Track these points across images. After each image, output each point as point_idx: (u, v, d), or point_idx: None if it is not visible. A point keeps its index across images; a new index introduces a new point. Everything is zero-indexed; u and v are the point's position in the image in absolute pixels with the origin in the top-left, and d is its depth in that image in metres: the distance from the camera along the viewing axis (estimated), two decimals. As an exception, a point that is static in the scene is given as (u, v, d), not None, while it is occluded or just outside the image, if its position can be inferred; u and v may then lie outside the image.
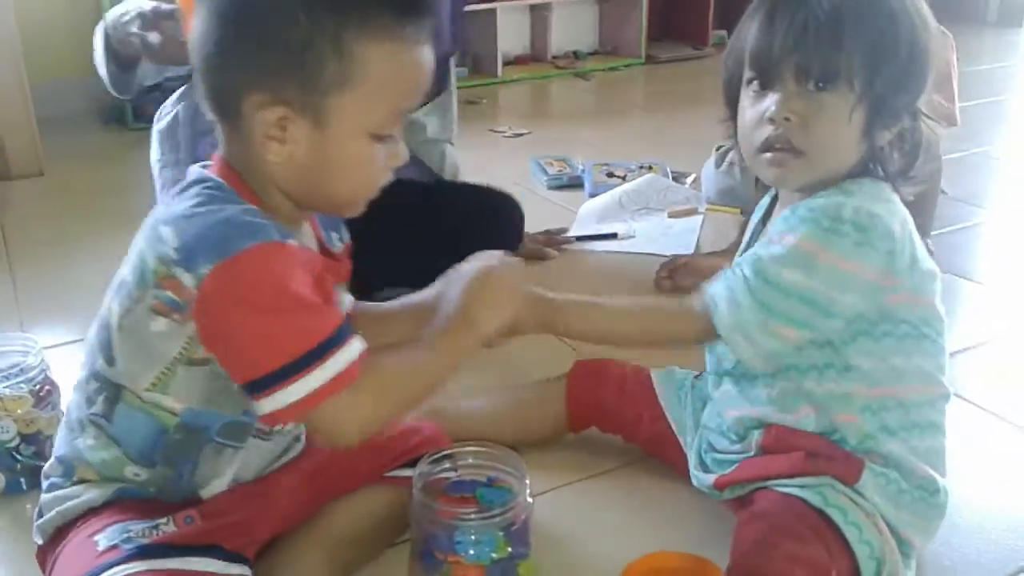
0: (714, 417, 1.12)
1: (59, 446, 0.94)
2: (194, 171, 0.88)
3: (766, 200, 1.13)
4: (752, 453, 1.05)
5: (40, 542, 0.93)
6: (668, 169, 2.34)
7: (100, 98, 2.73)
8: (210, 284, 0.78)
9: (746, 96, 1.01)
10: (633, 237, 2.01)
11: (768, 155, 0.99)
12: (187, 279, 0.79)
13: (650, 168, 2.34)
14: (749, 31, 0.99)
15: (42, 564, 0.93)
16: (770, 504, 0.98)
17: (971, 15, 4.37)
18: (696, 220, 2.06)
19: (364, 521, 1.03)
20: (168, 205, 0.85)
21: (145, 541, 0.85)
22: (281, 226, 0.83)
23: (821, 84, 0.95)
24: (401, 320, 1.04)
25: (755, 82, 0.99)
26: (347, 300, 1.03)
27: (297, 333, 0.80)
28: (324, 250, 0.95)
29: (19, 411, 1.19)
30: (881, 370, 0.99)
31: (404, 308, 1.05)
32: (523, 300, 0.97)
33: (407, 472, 1.03)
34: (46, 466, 0.95)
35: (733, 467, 1.06)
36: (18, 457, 1.19)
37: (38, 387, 1.21)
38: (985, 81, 3.34)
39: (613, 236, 2.02)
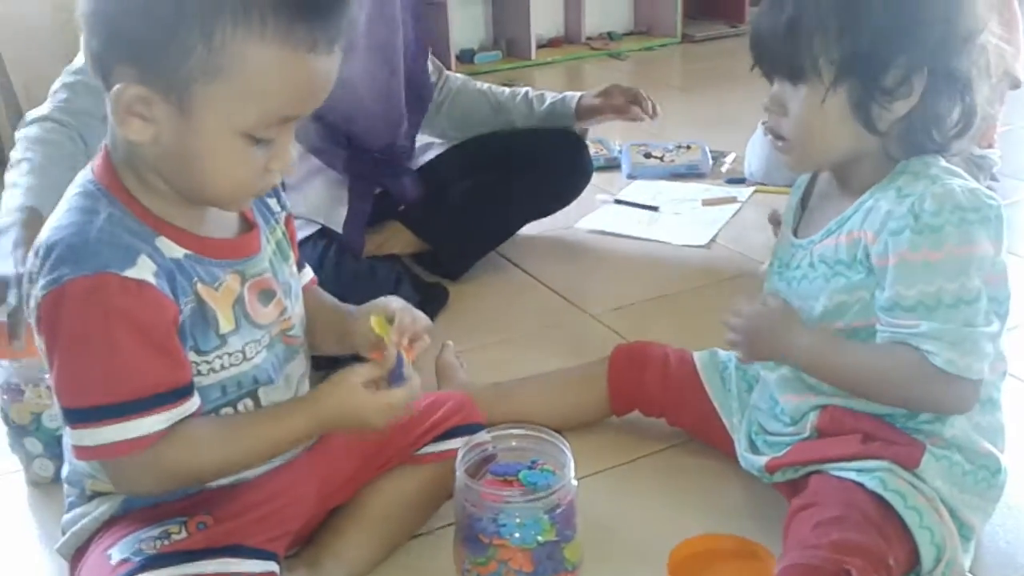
0: (766, 399, 1.10)
1: (64, 467, 0.93)
2: (82, 173, 0.85)
3: (804, 178, 1.11)
4: (806, 435, 1.03)
5: (67, 563, 0.93)
6: (707, 148, 2.31)
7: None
8: (40, 308, 0.79)
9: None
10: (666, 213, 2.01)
11: (774, 141, 1.02)
12: (35, 293, 0.80)
13: (688, 148, 2.31)
14: None
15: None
16: (825, 490, 0.95)
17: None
18: (727, 211, 2.01)
19: (401, 500, 1.02)
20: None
21: (154, 551, 0.84)
22: (149, 231, 0.82)
23: (791, 81, 0.96)
24: (325, 317, 1.02)
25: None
26: (306, 274, 1.03)
27: (101, 383, 0.79)
28: (248, 223, 0.92)
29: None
30: None
31: (331, 308, 1.03)
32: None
33: (437, 448, 1.02)
34: (65, 488, 0.94)
35: (786, 449, 1.04)
36: (69, 443, 1.21)
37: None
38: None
39: (654, 209, 2.02)
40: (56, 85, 1.32)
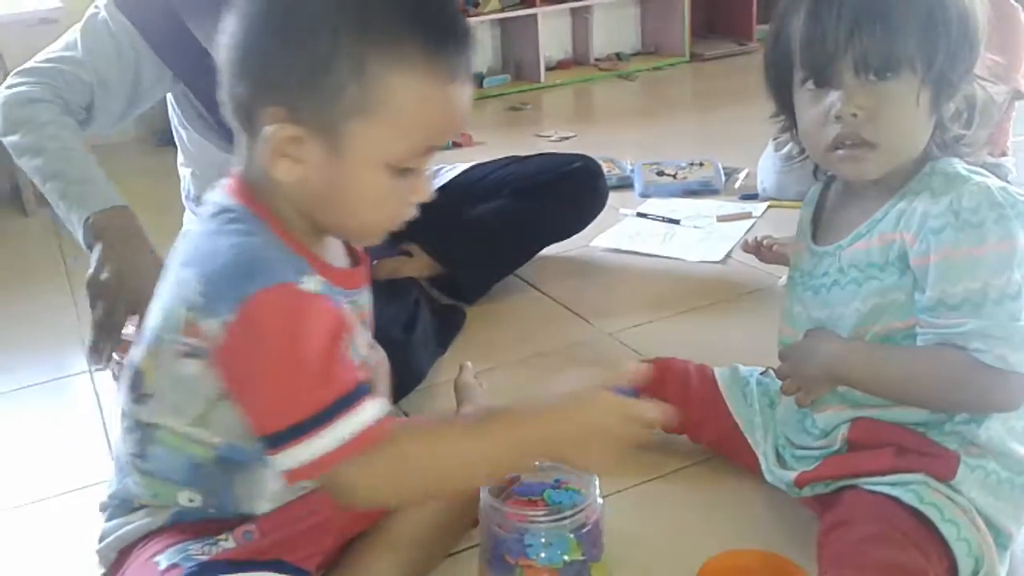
0: (795, 414, 1.09)
1: (113, 482, 0.93)
2: (216, 197, 0.85)
3: (815, 191, 1.10)
4: (836, 447, 1.02)
5: (103, 570, 0.92)
6: (719, 165, 2.31)
7: (149, 122, 2.78)
8: (226, 334, 0.76)
9: (803, 94, 0.98)
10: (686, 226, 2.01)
11: (840, 152, 0.96)
12: (209, 326, 0.77)
13: (701, 164, 2.31)
14: (792, 27, 0.96)
15: None
16: (860, 506, 0.94)
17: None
18: (742, 226, 2.01)
19: (429, 520, 1.00)
20: (189, 237, 0.84)
21: (205, 558, 0.84)
22: (299, 261, 0.81)
23: (883, 74, 0.92)
24: None
25: (810, 81, 0.96)
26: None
27: (307, 391, 0.76)
28: (352, 253, 0.92)
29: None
30: None
31: None
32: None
33: None
34: (105, 498, 0.94)
35: (816, 463, 1.02)
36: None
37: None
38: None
39: (676, 222, 2.04)
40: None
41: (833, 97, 0.94)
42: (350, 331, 0.83)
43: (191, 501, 0.88)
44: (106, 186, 1.31)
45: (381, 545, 0.98)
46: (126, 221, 1.28)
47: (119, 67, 1.40)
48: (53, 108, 1.34)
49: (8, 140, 1.35)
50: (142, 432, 0.87)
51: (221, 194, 0.84)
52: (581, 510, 0.91)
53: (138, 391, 0.86)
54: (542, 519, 0.91)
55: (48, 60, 1.39)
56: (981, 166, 0.99)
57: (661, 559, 1.04)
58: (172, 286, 0.82)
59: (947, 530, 0.90)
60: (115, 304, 1.21)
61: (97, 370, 1.11)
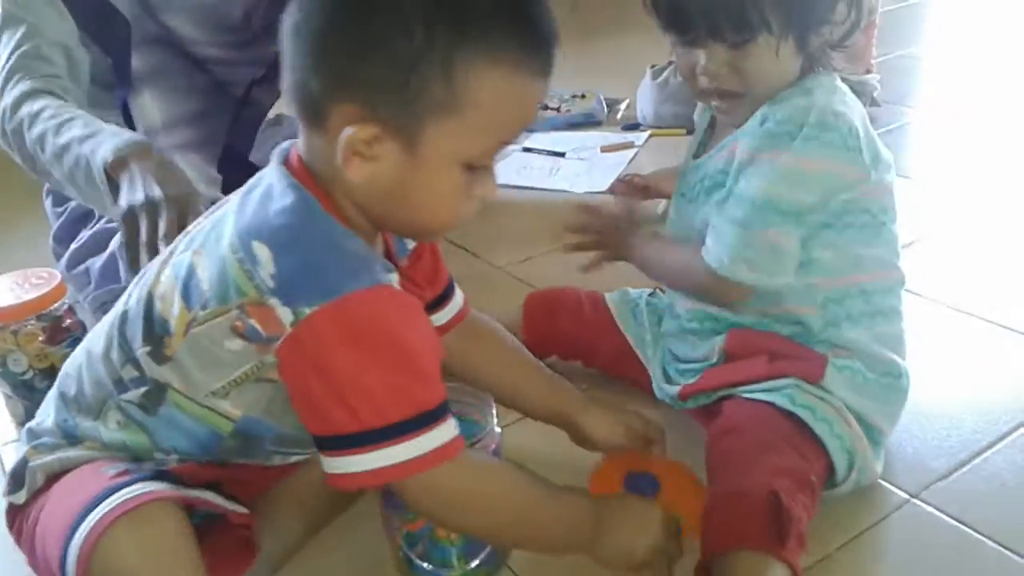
0: (671, 321, 1.13)
1: (59, 415, 0.85)
2: (276, 170, 0.78)
3: (708, 109, 1.12)
4: (715, 360, 1.05)
5: (21, 500, 0.84)
6: (601, 96, 2.31)
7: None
8: (310, 328, 0.71)
9: (674, 45, 1.00)
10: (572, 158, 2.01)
11: (712, 102, 1.01)
12: (283, 314, 0.72)
13: (583, 96, 2.31)
14: None
15: (13, 525, 0.85)
16: (739, 414, 0.98)
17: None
18: (624, 156, 2.02)
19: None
20: (252, 207, 0.77)
21: (153, 469, 0.81)
22: (382, 260, 0.76)
23: (739, 43, 0.95)
24: (523, 369, 1.01)
25: (676, 40, 0.98)
26: (458, 298, 0.99)
27: (402, 395, 0.72)
28: (391, 260, 0.86)
29: (30, 347, 1.23)
30: (843, 260, 1.00)
31: (531, 362, 1.01)
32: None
33: None
34: (32, 424, 0.87)
35: (697, 376, 1.06)
36: (37, 387, 1.23)
37: (52, 323, 1.24)
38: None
39: (561, 154, 2.04)
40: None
41: (698, 55, 0.97)
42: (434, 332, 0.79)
43: (160, 460, 0.83)
44: (119, 130, 1.18)
45: (286, 494, 0.97)
46: (152, 151, 1.14)
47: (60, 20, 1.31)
48: (40, 99, 1.23)
49: (19, 155, 1.25)
50: (154, 389, 0.81)
51: (283, 173, 0.77)
52: (479, 439, 0.91)
53: (159, 349, 0.80)
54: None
55: (8, 55, 1.28)
56: (847, 84, 1.02)
57: (560, 480, 1.06)
58: (236, 254, 0.75)
59: (820, 429, 0.95)
60: (158, 221, 1.05)
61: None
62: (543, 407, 1.01)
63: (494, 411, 0.95)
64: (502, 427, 0.95)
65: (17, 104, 1.24)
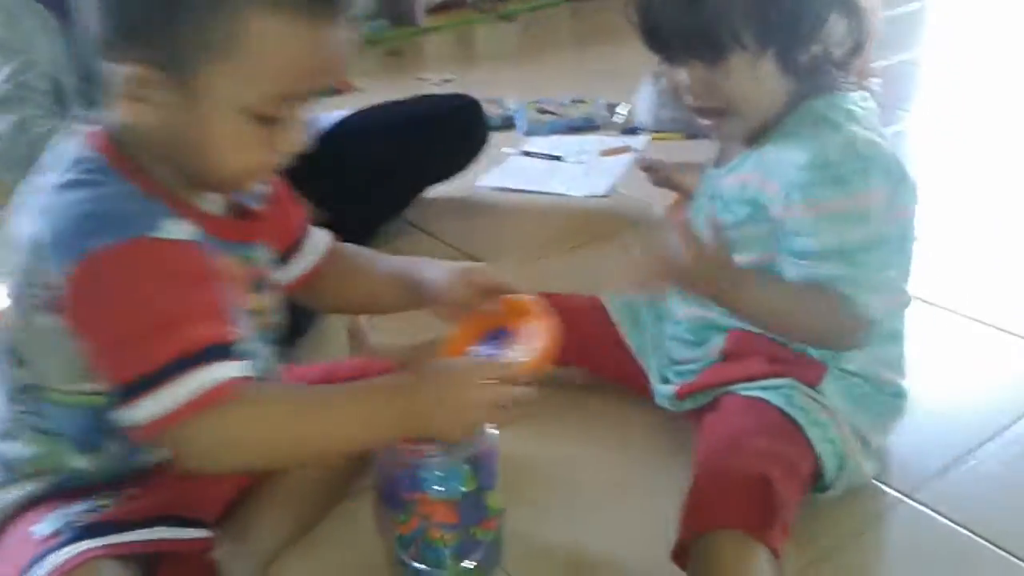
0: (671, 326, 1.12)
1: None
2: (73, 145, 0.80)
3: None
4: (713, 360, 1.06)
5: None
6: (600, 102, 2.32)
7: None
8: (70, 283, 0.73)
9: (659, 63, 1.01)
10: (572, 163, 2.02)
11: (701, 120, 1.00)
12: (53, 275, 0.74)
13: (583, 102, 2.32)
14: (634, 9, 0.98)
15: None
16: (734, 407, 0.98)
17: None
18: (622, 160, 2.03)
19: (316, 475, 1.00)
20: (42, 187, 0.78)
21: (85, 523, 0.80)
22: (162, 207, 0.77)
23: (712, 62, 0.94)
24: (387, 281, 1.01)
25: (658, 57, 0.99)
26: (320, 240, 1.00)
27: (151, 345, 0.72)
28: (238, 209, 0.88)
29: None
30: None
31: (395, 270, 1.02)
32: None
33: None
34: None
35: (695, 376, 1.06)
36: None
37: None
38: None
39: (558, 158, 2.04)
40: None
41: (680, 73, 0.97)
42: (218, 280, 0.79)
43: (81, 467, 0.84)
44: None
45: (275, 491, 0.97)
46: None
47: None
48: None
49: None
50: (32, 392, 0.83)
51: (77, 145, 0.80)
52: (474, 441, 0.92)
53: (14, 353, 0.82)
54: (435, 452, 0.91)
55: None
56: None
57: (552, 482, 1.07)
58: (28, 238, 0.78)
59: (812, 432, 0.95)
60: None
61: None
62: (402, 301, 1.02)
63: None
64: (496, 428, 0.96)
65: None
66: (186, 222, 0.78)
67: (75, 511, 0.82)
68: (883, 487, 1.03)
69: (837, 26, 0.95)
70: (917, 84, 2.48)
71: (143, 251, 0.74)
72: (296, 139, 0.79)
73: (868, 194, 0.92)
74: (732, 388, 1.01)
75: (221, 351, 0.75)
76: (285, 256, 0.98)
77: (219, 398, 0.73)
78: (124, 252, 0.73)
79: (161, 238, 0.75)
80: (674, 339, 1.12)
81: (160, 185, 0.79)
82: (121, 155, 0.79)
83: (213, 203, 0.86)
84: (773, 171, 0.96)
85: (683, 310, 1.09)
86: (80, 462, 0.84)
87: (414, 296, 1.00)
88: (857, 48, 0.96)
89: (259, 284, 0.90)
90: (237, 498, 0.97)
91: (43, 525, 0.81)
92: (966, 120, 2.14)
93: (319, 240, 1.01)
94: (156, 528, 0.82)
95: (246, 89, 0.74)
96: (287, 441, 0.79)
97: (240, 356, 0.77)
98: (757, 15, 0.91)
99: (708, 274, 0.95)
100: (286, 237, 0.98)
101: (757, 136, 1.00)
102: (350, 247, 1.04)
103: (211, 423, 0.74)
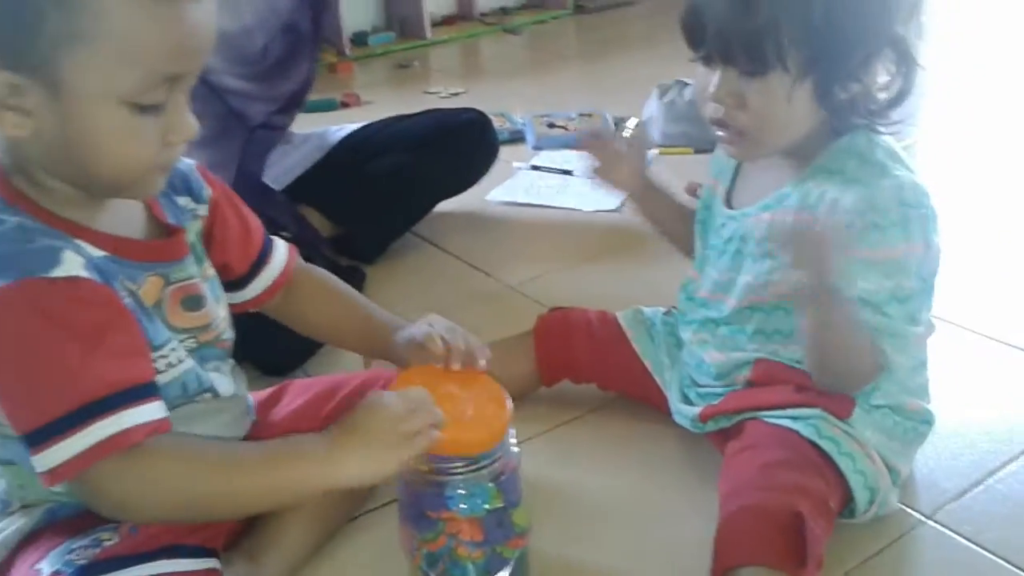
0: (693, 357, 1.11)
1: None
2: None
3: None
4: (739, 387, 1.05)
5: None
6: (608, 115, 2.33)
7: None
8: None
9: (692, 60, 0.98)
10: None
11: (717, 132, 0.98)
12: None
13: (590, 115, 2.33)
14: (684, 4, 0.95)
15: None
16: (762, 435, 0.97)
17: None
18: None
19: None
20: None
21: (87, 561, 0.79)
22: (60, 237, 0.74)
23: (749, 74, 0.91)
24: (343, 310, 1.02)
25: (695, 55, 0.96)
26: (280, 253, 0.99)
27: (54, 394, 0.71)
28: (162, 226, 0.85)
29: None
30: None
31: (351, 303, 1.03)
32: None
33: None
34: None
35: (719, 399, 1.05)
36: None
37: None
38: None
39: (568, 172, 2.04)
40: None
41: (714, 76, 0.94)
42: (124, 316, 0.76)
43: (59, 492, 0.82)
44: None
45: (283, 516, 0.96)
46: None
47: None
48: None
49: None
50: None
51: None
52: (498, 459, 0.91)
53: None
54: (460, 471, 0.91)
55: None
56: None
57: (578, 500, 1.07)
58: None
59: (843, 463, 0.94)
60: None
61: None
62: (362, 345, 1.05)
63: (512, 431, 0.95)
64: (519, 444, 0.96)
65: None
66: (91, 247, 0.76)
67: (77, 546, 0.81)
68: (904, 508, 1.03)
69: (885, 70, 0.93)
70: (923, 97, 2.48)
71: (33, 293, 0.71)
72: (184, 127, 0.76)
73: (905, 246, 0.91)
74: (758, 414, 1.00)
75: (129, 394, 0.73)
76: (251, 271, 0.97)
77: (123, 446, 0.72)
78: (12, 295, 0.70)
79: (55, 278, 0.72)
80: (697, 370, 1.10)
81: (62, 208, 0.76)
82: (10, 182, 0.76)
83: (129, 222, 0.83)
84: (817, 208, 0.93)
85: (713, 354, 1.07)
86: (54, 489, 0.80)
87: (370, 339, 1.01)
88: (900, 97, 0.94)
89: (194, 301, 0.87)
90: (244, 524, 0.96)
91: (47, 562, 0.80)
92: (973, 134, 2.15)
93: (281, 255, 1.00)
94: (159, 561, 0.81)
95: (116, 75, 0.70)
96: (198, 497, 0.77)
97: (154, 395, 0.75)
98: (807, 40, 0.88)
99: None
100: (247, 250, 0.96)
101: (781, 166, 0.98)
102: (318, 270, 1.05)
103: (116, 473, 0.73)
